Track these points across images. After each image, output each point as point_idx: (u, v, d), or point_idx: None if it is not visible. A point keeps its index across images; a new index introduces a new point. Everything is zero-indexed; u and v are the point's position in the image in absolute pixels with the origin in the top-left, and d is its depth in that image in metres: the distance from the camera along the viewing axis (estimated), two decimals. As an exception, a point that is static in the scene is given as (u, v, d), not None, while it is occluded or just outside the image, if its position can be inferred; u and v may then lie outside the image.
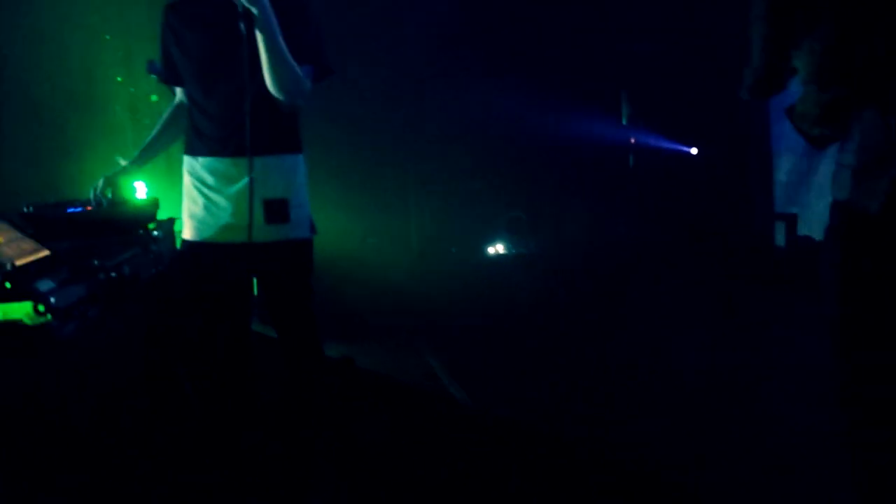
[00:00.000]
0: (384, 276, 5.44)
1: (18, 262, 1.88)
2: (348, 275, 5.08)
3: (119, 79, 4.86)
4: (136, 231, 2.28)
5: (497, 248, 6.16)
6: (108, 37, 4.76)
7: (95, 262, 1.87)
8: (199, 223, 2.20)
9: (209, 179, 2.19)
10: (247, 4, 2.00)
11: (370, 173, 5.89)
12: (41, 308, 1.59)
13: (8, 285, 1.61)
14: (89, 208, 2.26)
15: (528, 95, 5.45)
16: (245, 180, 2.10)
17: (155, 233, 2.32)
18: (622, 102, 6.24)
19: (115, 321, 2.08)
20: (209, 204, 2.19)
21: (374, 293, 5.08)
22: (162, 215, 2.61)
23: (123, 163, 2.40)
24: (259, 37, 2.03)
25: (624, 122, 6.28)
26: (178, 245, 2.66)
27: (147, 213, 2.38)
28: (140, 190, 4.88)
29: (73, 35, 4.44)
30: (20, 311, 1.63)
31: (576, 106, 5.83)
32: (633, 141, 6.21)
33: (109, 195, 2.42)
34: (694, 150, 6.04)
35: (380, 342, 4.35)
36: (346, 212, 5.57)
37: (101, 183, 2.36)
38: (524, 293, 5.27)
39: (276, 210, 2.17)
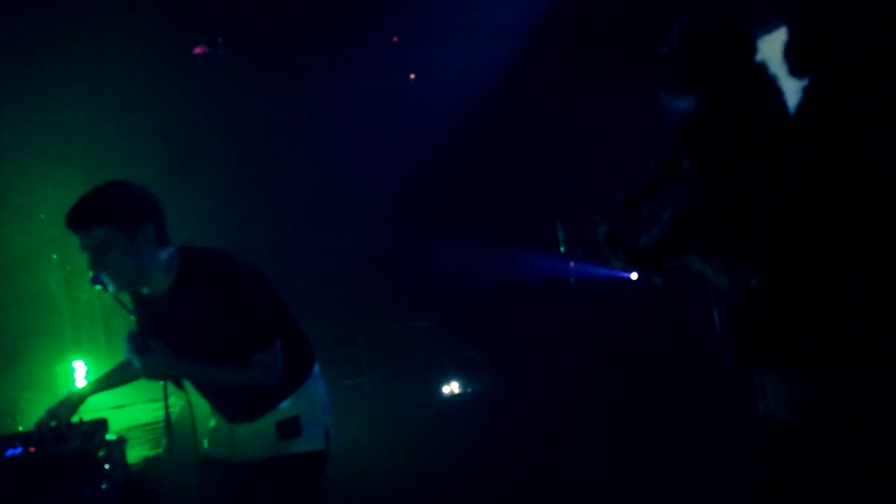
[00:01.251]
0: (339, 425, 5.27)
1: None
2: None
3: (54, 256, 4.76)
4: (85, 466, 2.15)
5: (452, 388, 6.10)
6: (42, 216, 4.70)
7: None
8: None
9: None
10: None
11: (318, 317, 5.83)
12: None
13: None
14: (31, 449, 2.13)
15: (471, 238, 5.59)
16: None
17: (106, 465, 2.19)
18: (558, 233, 6.46)
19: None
20: None
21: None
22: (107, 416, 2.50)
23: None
24: None
25: (562, 250, 6.48)
26: (130, 463, 2.54)
27: (95, 443, 2.25)
28: (79, 370, 4.72)
29: (9, 215, 4.38)
30: None
31: (517, 241, 6.00)
32: (572, 269, 6.38)
33: (54, 424, 2.31)
34: (633, 275, 6.24)
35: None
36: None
37: (44, 417, 2.25)
38: (485, 431, 5.21)
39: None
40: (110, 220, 2.05)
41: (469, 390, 6.08)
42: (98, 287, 2.48)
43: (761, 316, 1.45)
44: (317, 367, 2.43)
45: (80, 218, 2.06)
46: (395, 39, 4.86)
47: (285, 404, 2.29)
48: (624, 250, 1.69)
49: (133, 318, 2.58)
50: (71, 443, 2.16)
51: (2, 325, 4.11)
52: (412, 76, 5.11)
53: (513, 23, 4.63)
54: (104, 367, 4.82)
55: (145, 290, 2.23)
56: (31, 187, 4.50)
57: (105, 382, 2.44)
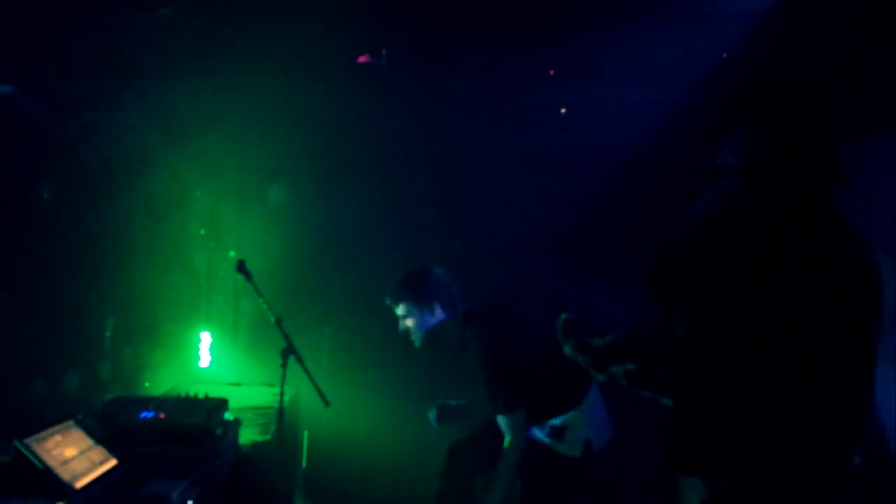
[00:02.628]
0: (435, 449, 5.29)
1: (81, 484, 1.89)
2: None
3: (202, 232, 5.11)
4: (203, 441, 2.28)
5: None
6: (199, 193, 5.06)
7: (160, 495, 1.86)
8: None
9: None
10: None
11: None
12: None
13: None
14: (162, 416, 2.29)
15: (608, 282, 5.42)
16: None
17: (221, 444, 2.32)
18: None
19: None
20: None
21: (420, 466, 4.92)
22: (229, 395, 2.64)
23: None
24: None
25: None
26: (240, 444, 2.67)
27: (215, 420, 2.39)
28: (205, 340, 5.03)
29: (171, 189, 4.74)
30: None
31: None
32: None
33: (184, 395, 2.47)
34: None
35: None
36: (404, 377, 5.54)
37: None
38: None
39: None
40: (407, 299, 2.99)
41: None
42: (240, 273, 2.65)
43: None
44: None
45: (392, 297, 3.06)
46: (551, 72, 4.85)
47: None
48: (575, 341, 1.79)
49: (262, 301, 2.78)
50: (195, 417, 2.30)
51: (147, 290, 4.46)
52: (563, 111, 5.08)
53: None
54: (228, 341, 5.13)
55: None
56: (194, 165, 4.86)
57: None
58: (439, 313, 2.97)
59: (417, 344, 3.02)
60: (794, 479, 1.51)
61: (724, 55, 4.32)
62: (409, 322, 2.99)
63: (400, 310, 3.01)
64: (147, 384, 4.47)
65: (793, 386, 1.52)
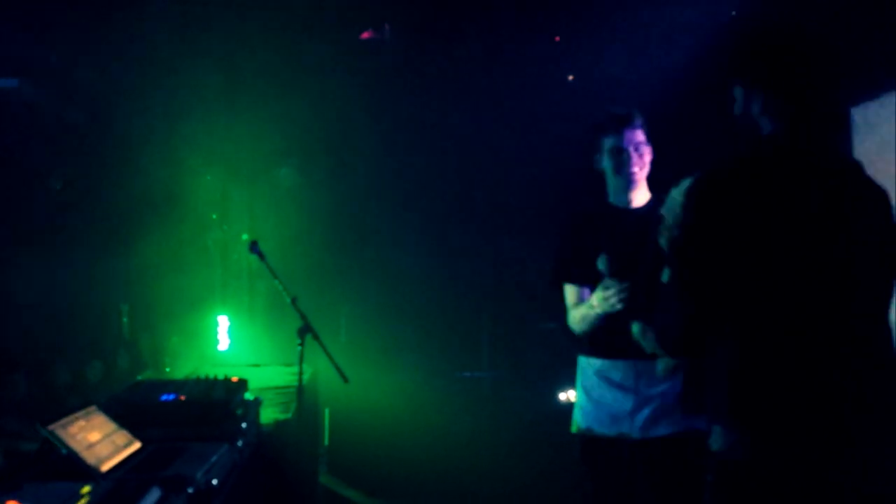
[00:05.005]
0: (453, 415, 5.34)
1: (106, 467, 1.91)
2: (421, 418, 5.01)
3: (214, 216, 5.13)
4: (225, 422, 2.30)
5: (569, 396, 6.00)
6: (208, 177, 5.07)
7: (185, 475, 1.87)
8: None
9: None
10: None
11: (446, 307, 5.91)
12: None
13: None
14: (182, 398, 2.31)
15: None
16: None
17: (243, 424, 2.34)
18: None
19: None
20: None
21: (442, 440, 4.97)
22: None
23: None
24: None
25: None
26: (262, 423, 2.69)
27: (236, 400, 2.40)
28: (222, 324, 5.07)
29: (186, 176, 4.76)
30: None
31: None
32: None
33: (203, 377, 2.49)
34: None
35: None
36: (420, 352, 5.57)
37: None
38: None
39: None
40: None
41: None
42: (253, 255, 2.65)
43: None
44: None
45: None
46: (556, 39, 4.78)
47: None
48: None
49: (277, 282, 2.77)
50: (215, 397, 2.32)
51: (162, 276, 4.50)
52: (570, 77, 5.02)
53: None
54: (244, 324, 5.18)
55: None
56: (204, 154, 4.87)
57: None
58: None
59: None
60: (817, 425, 1.49)
61: (734, 13, 4.24)
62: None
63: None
64: (168, 369, 4.52)
65: (815, 331, 1.50)
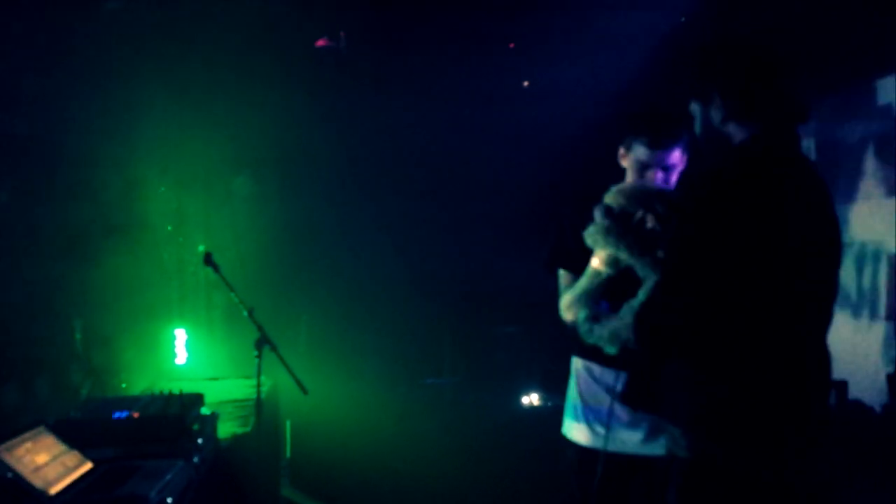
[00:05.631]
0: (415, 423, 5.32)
1: (55, 490, 1.86)
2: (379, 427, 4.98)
3: (169, 228, 5.03)
4: (180, 438, 2.25)
5: (531, 399, 6.03)
6: (162, 189, 4.97)
7: (137, 494, 1.83)
8: None
9: None
10: None
11: (406, 314, 5.90)
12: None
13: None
14: (135, 415, 2.26)
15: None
16: None
17: (199, 440, 2.29)
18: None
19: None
20: None
21: (405, 448, 4.95)
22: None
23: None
24: None
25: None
26: (219, 438, 2.65)
27: (191, 416, 2.36)
28: (180, 338, 4.97)
29: (135, 187, 4.65)
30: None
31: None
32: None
33: (157, 393, 2.43)
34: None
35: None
36: (382, 360, 5.55)
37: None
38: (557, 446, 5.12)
39: None
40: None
41: (549, 404, 5.99)
42: (208, 267, 2.61)
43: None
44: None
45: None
46: (511, 46, 4.82)
47: None
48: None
49: (233, 294, 2.72)
50: (169, 414, 2.27)
51: (117, 289, 4.38)
52: (526, 83, 5.07)
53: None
54: (203, 337, 5.08)
55: None
56: (156, 162, 4.77)
57: None
58: None
59: None
60: (771, 431, 1.52)
61: (683, 19, 4.33)
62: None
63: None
64: (124, 385, 4.41)
65: (765, 337, 1.53)
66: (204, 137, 4.72)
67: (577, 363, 2.40)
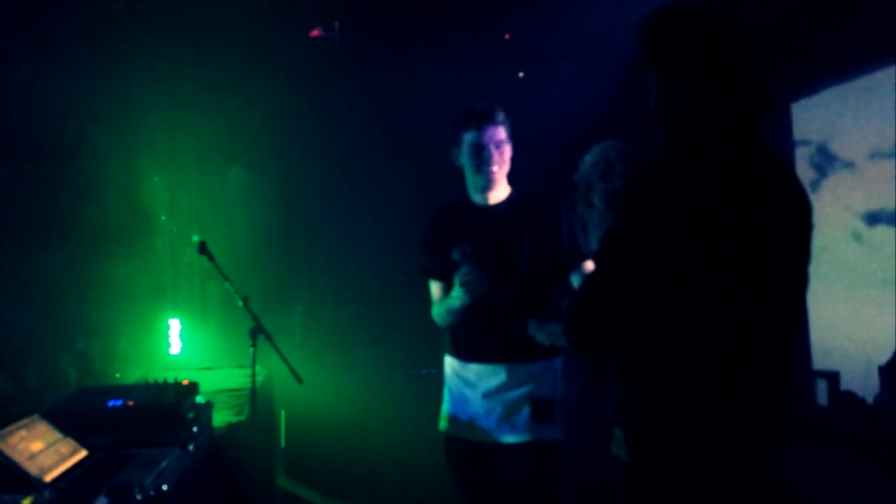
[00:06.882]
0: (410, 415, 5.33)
1: (50, 477, 1.86)
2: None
3: (163, 217, 5.01)
4: (175, 426, 2.26)
5: (525, 389, 6.06)
6: (156, 178, 4.95)
7: (133, 482, 1.83)
8: None
9: None
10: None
11: (400, 305, 5.91)
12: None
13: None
14: (130, 403, 2.26)
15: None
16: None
17: (194, 428, 2.30)
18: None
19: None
20: None
21: (400, 438, 4.96)
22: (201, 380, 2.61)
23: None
24: None
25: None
26: (214, 426, 2.65)
27: (186, 405, 2.36)
28: (174, 327, 4.96)
29: (127, 175, 4.63)
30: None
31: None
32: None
33: (152, 382, 2.44)
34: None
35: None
36: (377, 350, 5.55)
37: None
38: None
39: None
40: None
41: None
42: (202, 256, 2.61)
43: None
44: None
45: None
46: (506, 37, 4.81)
47: None
48: None
49: (227, 284, 2.73)
50: (164, 403, 2.28)
51: (111, 279, 4.37)
52: (521, 74, 5.05)
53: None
54: (197, 327, 5.07)
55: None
56: (149, 151, 4.75)
57: None
58: None
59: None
60: (732, 434, 1.46)
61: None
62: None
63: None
64: (118, 375, 4.41)
65: (731, 339, 1.45)
66: (198, 127, 4.71)
67: (448, 362, 2.70)
